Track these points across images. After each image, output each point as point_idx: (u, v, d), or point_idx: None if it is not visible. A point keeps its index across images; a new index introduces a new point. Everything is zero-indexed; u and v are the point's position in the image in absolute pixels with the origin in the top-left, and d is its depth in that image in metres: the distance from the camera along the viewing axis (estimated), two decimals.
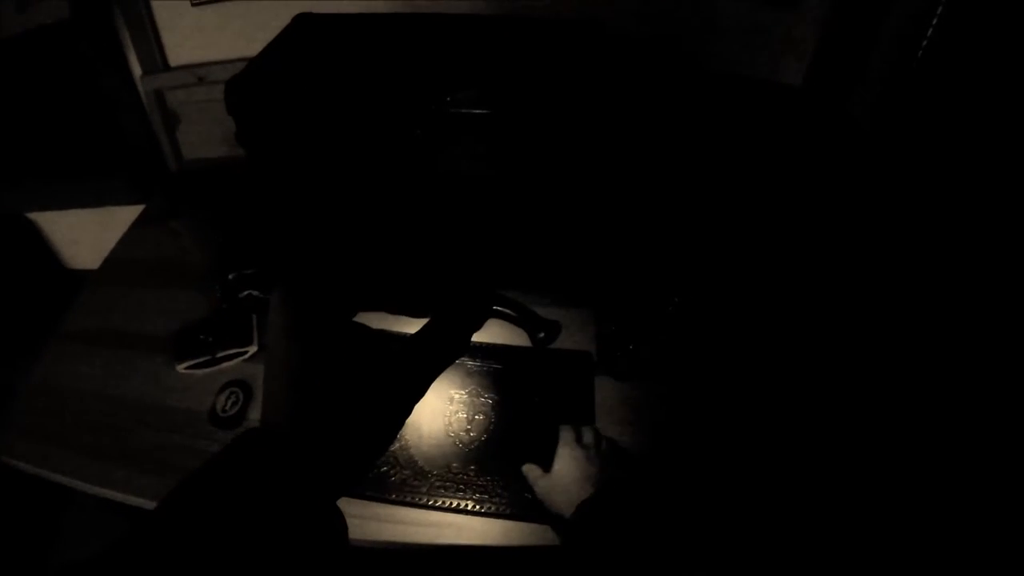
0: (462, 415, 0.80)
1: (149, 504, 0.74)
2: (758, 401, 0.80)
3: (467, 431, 0.78)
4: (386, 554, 0.71)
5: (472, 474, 0.74)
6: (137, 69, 1.14)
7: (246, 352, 0.88)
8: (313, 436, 0.33)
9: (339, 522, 0.34)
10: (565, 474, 0.67)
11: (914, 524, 0.69)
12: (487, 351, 0.87)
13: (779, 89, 1.03)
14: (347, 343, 0.37)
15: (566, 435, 0.73)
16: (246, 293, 0.93)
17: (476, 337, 0.86)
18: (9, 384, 0.89)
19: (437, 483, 0.74)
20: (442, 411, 0.80)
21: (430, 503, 0.72)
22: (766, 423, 0.78)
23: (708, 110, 1.02)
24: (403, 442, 0.77)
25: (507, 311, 0.87)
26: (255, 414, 0.82)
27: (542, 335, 0.85)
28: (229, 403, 0.82)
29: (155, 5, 1.08)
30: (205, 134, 1.20)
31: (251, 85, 0.77)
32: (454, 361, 0.48)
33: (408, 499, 0.72)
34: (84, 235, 1.45)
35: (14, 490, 1.23)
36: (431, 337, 0.42)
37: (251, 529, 0.29)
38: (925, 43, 0.81)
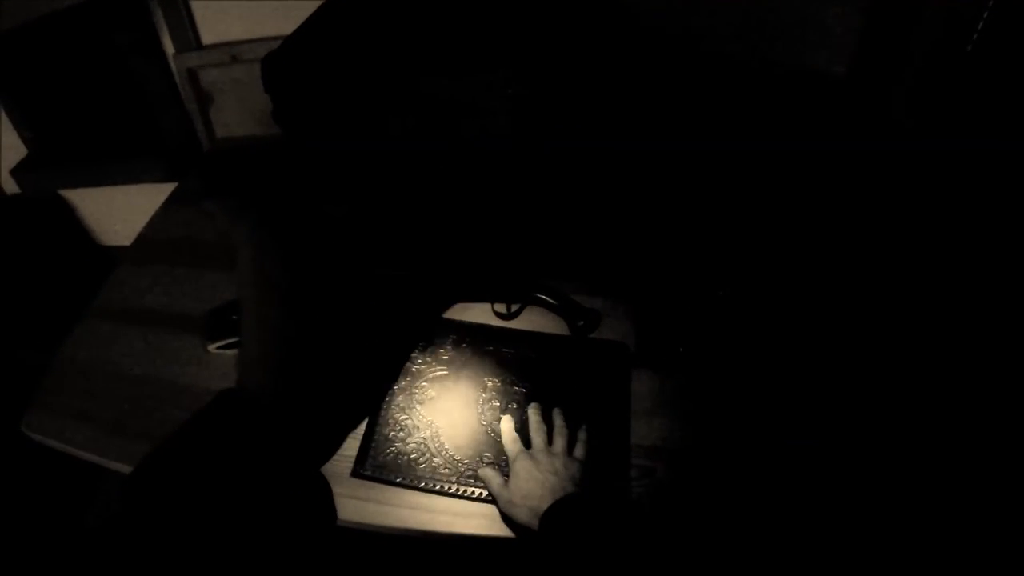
0: (495, 403, 0.78)
1: None
2: (800, 400, 0.77)
3: (500, 420, 0.76)
4: (415, 543, 0.70)
5: (504, 464, 0.72)
6: (170, 48, 1.13)
7: None
8: (293, 399, 0.31)
9: (322, 486, 0.32)
10: (522, 484, 0.65)
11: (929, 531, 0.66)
12: (521, 338, 0.85)
13: (821, 78, 0.99)
14: (326, 293, 0.34)
15: (512, 444, 0.71)
16: None
17: (512, 324, 0.86)
18: (40, 360, 0.89)
19: (468, 472, 0.72)
20: (475, 399, 0.79)
21: (460, 492, 0.71)
22: (805, 422, 0.75)
23: (747, 98, 0.98)
24: (434, 430, 0.76)
25: (547, 298, 0.85)
26: None
27: (581, 323, 0.83)
28: None
29: None
30: (238, 113, 1.19)
31: (289, 62, 0.76)
32: (444, 310, 0.45)
33: (438, 487, 0.71)
34: (116, 212, 1.46)
35: (46, 465, 1.25)
36: (416, 282, 0.39)
37: (230, 497, 0.27)
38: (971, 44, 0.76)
